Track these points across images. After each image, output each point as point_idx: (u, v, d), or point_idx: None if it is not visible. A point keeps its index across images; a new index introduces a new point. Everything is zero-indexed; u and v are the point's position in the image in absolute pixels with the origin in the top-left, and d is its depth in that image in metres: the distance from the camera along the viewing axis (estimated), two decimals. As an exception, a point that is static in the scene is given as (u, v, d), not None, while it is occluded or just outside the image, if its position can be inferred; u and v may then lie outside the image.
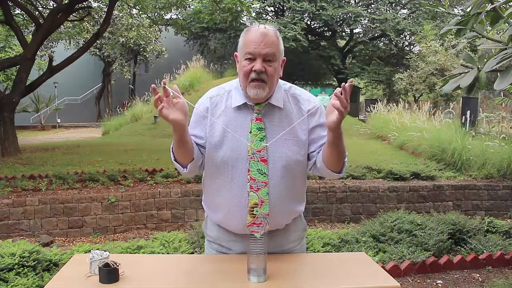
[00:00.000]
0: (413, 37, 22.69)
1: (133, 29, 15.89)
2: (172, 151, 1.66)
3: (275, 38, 1.60)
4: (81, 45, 12.26)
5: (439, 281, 3.67)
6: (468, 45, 14.96)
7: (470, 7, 2.19)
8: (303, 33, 21.12)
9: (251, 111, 1.66)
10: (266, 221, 1.65)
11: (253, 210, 1.64)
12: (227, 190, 1.68)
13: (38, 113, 22.63)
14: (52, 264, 3.45)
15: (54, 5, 9.79)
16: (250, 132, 1.64)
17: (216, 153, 1.66)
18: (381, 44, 23.15)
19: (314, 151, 1.70)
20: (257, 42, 1.57)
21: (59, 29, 12.38)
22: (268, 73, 1.59)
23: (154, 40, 21.53)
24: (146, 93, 17.93)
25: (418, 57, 17.83)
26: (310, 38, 23.60)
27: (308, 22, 23.11)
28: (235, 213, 1.67)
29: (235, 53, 1.69)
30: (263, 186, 1.63)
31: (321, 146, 1.69)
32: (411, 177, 6.70)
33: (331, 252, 3.84)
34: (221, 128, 1.66)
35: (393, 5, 23.27)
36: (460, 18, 2.25)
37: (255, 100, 1.64)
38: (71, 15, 10.23)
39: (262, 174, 1.63)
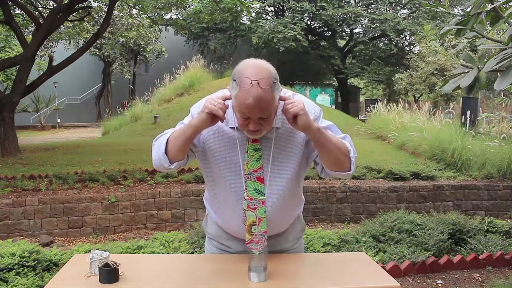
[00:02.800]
0: (413, 37, 22.69)
1: (133, 29, 15.91)
2: (167, 144, 1.61)
3: (269, 98, 1.47)
4: (81, 45, 12.27)
5: (439, 281, 3.67)
6: (468, 45, 14.95)
7: (470, 7, 2.19)
8: (303, 33, 21.11)
9: None
10: (264, 238, 1.65)
11: (251, 229, 1.64)
12: (225, 202, 1.69)
13: (38, 113, 22.62)
14: (52, 264, 3.45)
15: (54, 5, 9.79)
16: (247, 152, 1.63)
17: (212, 169, 1.67)
18: (381, 44, 23.13)
19: (318, 155, 1.68)
20: (251, 108, 1.45)
21: (59, 29, 12.39)
22: (264, 126, 1.55)
23: (154, 40, 21.53)
24: (146, 93, 17.93)
25: (418, 57, 17.83)
26: (310, 38, 23.59)
27: (308, 22, 23.11)
28: (233, 224, 1.69)
29: (227, 88, 1.59)
30: (261, 204, 1.63)
31: None
32: (411, 177, 6.69)
33: (331, 252, 3.84)
34: (215, 146, 1.65)
35: (393, 5, 23.25)
36: (460, 18, 2.25)
37: None
38: (71, 15, 10.23)
39: (259, 193, 1.63)
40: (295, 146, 1.66)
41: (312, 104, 1.71)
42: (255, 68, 1.48)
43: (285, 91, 1.71)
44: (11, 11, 9.69)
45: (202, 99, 1.69)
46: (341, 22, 22.86)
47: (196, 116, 1.57)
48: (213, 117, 1.52)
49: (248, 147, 1.63)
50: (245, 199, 1.63)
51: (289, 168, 1.66)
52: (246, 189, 1.63)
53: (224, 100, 1.54)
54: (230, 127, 1.64)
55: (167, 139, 1.62)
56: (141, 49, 22.24)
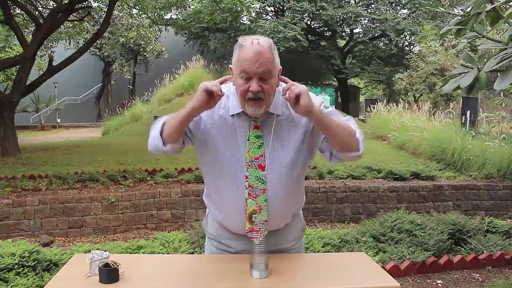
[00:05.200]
0: (413, 37, 22.70)
1: (133, 29, 15.92)
2: (163, 125, 1.61)
3: (270, 55, 1.54)
4: (81, 45, 12.27)
5: (439, 281, 3.67)
6: (468, 45, 14.96)
7: (470, 7, 2.20)
8: (303, 33, 21.11)
9: (248, 118, 1.65)
10: (265, 227, 1.66)
11: (251, 217, 1.64)
12: (225, 194, 1.68)
13: (38, 113, 22.63)
14: (52, 264, 3.45)
15: (54, 5, 9.79)
16: (248, 139, 1.64)
17: (214, 159, 1.67)
18: (381, 44, 23.14)
19: (322, 140, 1.68)
20: (252, 61, 1.51)
21: (59, 29, 12.38)
22: (264, 91, 1.55)
23: (154, 40, 21.54)
24: (146, 93, 17.94)
25: (418, 57, 17.84)
26: (310, 38, 23.59)
27: (308, 22, 23.11)
28: (234, 216, 1.69)
29: (230, 65, 1.66)
30: (262, 193, 1.63)
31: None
32: (411, 177, 6.69)
33: (331, 252, 3.84)
34: (217, 135, 1.65)
35: (393, 5, 23.27)
36: (460, 18, 2.25)
37: (253, 116, 1.63)
38: (71, 15, 10.23)
39: (260, 181, 1.63)
40: (295, 135, 1.66)
41: (313, 94, 1.74)
42: (255, 36, 1.57)
43: (283, 85, 1.73)
44: (11, 11, 9.68)
45: None
46: (341, 22, 22.86)
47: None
48: (209, 97, 1.52)
49: (249, 134, 1.64)
50: (246, 188, 1.63)
51: (289, 157, 1.66)
52: (247, 177, 1.63)
53: (222, 84, 1.56)
54: (231, 115, 1.66)
55: (165, 120, 1.62)
56: (141, 49, 22.25)
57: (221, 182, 1.68)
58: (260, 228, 1.65)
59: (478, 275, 3.80)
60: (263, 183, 1.63)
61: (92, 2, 11.92)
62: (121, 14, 14.34)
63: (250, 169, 1.63)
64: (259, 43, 1.52)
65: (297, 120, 1.67)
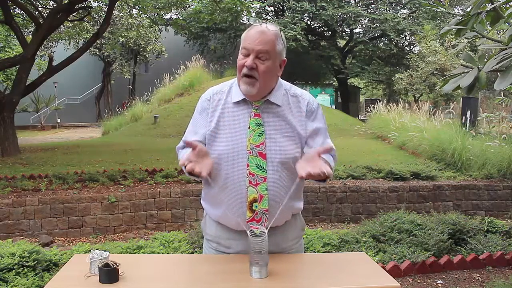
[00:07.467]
0: (413, 37, 22.68)
1: (133, 29, 15.92)
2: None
3: (273, 37, 1.61)
4: (81, 45, 12.27)
5: (439, 281, 3.67)
6: (468, 45, 14.95)
7: (470, 7, 2.20)
8: (303, 33, 21.11)
9: (250, 106, 1.69)
10: (266, 217, 1.65)
11: (252, 206, 1.64)
12: (226, 185, 1.69)
13: (38, 113, 22.62)
14: (52, 264, 3.45)
15: (54, 5, 9.79)
16: (249, 127, 1.66)
17: (215, 148, 1.69)
18: (381, 44, 23.13)
19: (308, 146, 1.73)
20: (253, 38, 1.60)
21: (59, 29, 12.39)
22: (259, 71, 1.60)
23: (154, 40, 21.54)
24: (146, 93, 17.94)
25: (418, 57, 17.83)
26: (310, 38, 23.59)
27: (308, 22, 23.11)
28: (235, 208, 1.68)
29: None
30: (262, 181, 1.65)
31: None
32: (411, 177, 6.69)
33: (331, 252, 3.84)
34: (219, 123, 1.69)
35: (393, 5, 23.27)
36: (460, 18, 2.25)
37: (247, 96, 1.67)
38: (71, 15, 10.23)
39: (261, 169, 1.65)
40: (295, 127, 1.70)
41: (312, 97, 1.80)
42: (262, 24, 1.66)
43: (285, 83, 1.78)
44: (11, 11, 9.68)
45: (206, 94, 1.78)
46: (341, 22, 22.86)
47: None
48: (206, 173, 1.54)
49: (250, 122, 1.67)
50: (247, 176, 1.64)
51: (289, 146, 1.68)
52: (248, 165, 1.64)
53: (195, 149, 1.54)
54: (233, 103, 1.70)
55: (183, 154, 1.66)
56: (141, 49, 22.24)
57: (222, 171, 1.69)
58: (261, 218, 1.65)
59: (478, 275, 3.80)
60: (263, 171, 1.64)
61: (92, 2, 11.93)
62: (121, 14, 14.35)
63: (251, 157, 1.65)
64: (266, 27, 1.62)
65: (298, 114, 1.71)
